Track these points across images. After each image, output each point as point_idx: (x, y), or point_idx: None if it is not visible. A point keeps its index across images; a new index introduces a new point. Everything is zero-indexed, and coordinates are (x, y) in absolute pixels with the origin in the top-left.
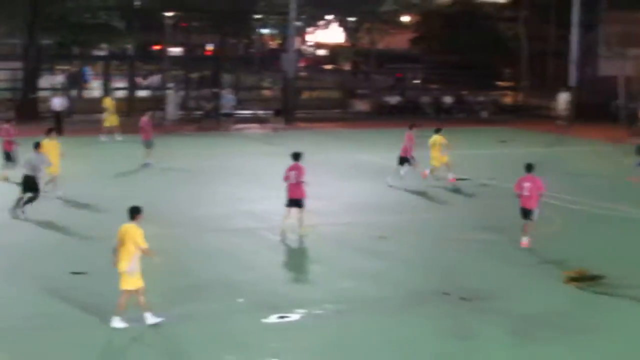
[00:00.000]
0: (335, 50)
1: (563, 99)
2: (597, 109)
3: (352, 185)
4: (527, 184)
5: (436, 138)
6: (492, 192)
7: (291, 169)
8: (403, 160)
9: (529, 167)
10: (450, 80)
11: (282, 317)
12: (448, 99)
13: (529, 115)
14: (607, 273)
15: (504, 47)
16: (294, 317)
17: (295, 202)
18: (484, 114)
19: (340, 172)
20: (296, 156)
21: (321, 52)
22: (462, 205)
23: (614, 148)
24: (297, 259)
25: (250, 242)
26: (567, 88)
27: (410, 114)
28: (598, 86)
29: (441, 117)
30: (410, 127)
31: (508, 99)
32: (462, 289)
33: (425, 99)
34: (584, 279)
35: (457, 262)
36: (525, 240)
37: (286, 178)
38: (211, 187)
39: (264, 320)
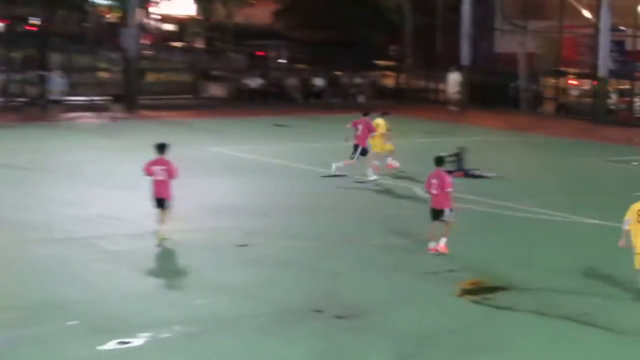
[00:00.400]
0: (185, 25)
1: (453, 80)
2: (494, 92)
3: (211, 184)
4: (434, 181)
5: (379, 122)
6: (377, 189)
7: (155, 162)
8: (364, 151)
9: (439, 161)
10: (322, 59)
11: (122, 343)
12: (319, 82)
13: (413, 99)
14: (508, 281)
15: (384, 21)
16: (136, 342)
17: (160, 202)
18: (361, 99)
19: (196, 169)
20: (161, 148)
21: (169, 26)
22: (357, 203)
23: (514, 137)
24: (143, 272)
25: (83, 253)
26: (458, 67)
27: (275, 99)
28: (495, 65)
29: (311, 103)
30: (365, 113)
31: (389, 81)
32: (341, 305)
33: (292, 82)
34: (480, 291)
35: (339, 271)
36: (433, 245)
37: (149, 173)
38: (33, 189)
39: (100, 347)
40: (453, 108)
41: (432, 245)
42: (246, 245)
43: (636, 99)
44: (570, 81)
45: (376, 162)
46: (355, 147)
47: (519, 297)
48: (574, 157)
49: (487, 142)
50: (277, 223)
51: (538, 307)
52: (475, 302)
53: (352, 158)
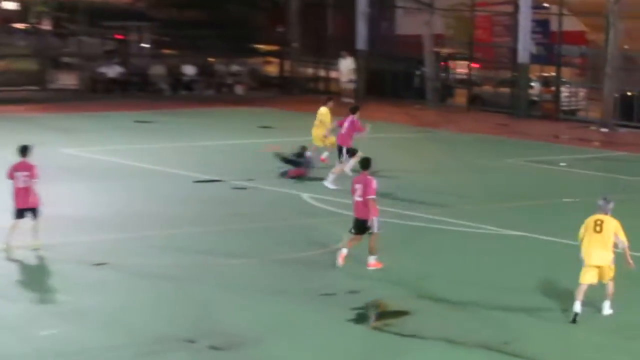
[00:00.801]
0: (29, 3)
1: (346, 67)
2: (396, 81)
3: (65, 192)
4: (358, 186)
5: (323, 112)
6: (260, 196)
7: (18, 168)
8: (350, 151)
9: (365, 164)
10: (193, 44)
11: None
12: (189, 70)
13: (301, 90)
14: (415, 303)
15: None
16: None
17: (26, 211)
18: (239, 90)
19: (49, 175)
20: (24, 150)
21: (9, 5)
22: (236, 212)
23: (419, 134)
24: None
25: None
26: (351, 52)
27: (138, 90)
28: (397, 49)
29: (180, 95)
30: (354, 110)
31: (273, 68)
32: (216, 333)
33: (157, 70)
34: (381, 316)
35: (214, 294)
36: (372, 261)
37: (12, 179)
38: None
39: None
40: (347, 100)
41: (371, 260)
42: (104, 263)
43: (563, 89)
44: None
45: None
46: (340, 148)
47: (428, 322)
48: (489, 157)
49: (387, 140)
50: (140, 237)
51: (450, 334)
52: (375, 329)
53: (341, 162)
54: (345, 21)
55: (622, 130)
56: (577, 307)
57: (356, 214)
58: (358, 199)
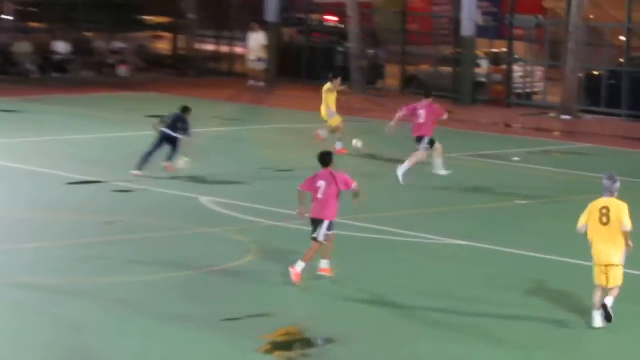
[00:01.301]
0: None
1: (256, 43)
2: (314, 59)
3: None
4: (321, 183)
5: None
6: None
7: None
8: (432, 142)
9: (325, 160)
10: (65, 15)
11: None
12: (62, 47)
13: (199, 71)
14: (339, 328)
15: None
16: None
17: None
18: (124, 72)
19: None
20: None
21: None
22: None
23: (343, 125)
24: None
25: None
26: (262, 26)
27: None
28: (315, 21)
29: (51, 78)
30: (428, 93)
31: (164, 45)
32: None
33: (23, 48)
34: (297, 344)
35: (89, 320)
36: (324, 265)
37: None
38: None
39: None
40: (255, 83)
41: (323, 264)
42: None
43: (516, 68)
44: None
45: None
46: (419, 138)
47: (353, 352)
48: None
49: (303, 132)
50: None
51: None
52: None
53: (419, 150)
54: None
55: (587, 117)
56: (597, 320)
57: (313, 214)
58: (320, 196)
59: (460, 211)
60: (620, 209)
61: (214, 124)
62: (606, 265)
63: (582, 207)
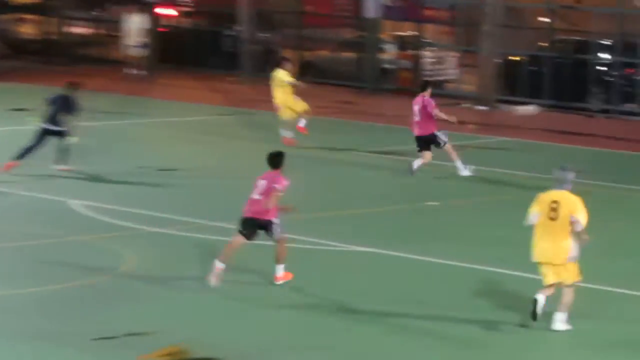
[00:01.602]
0: None
1: (135, 27)
2: (200, 45)
3: None
4: (262, 182)
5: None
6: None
7: None
8: (426, 142)
9: (275, 161)
10: None
11: None
12: None
13: (71, 57)
14: (231, 347)
15: None
16: None
17: None
18: None
19: None
20: None
21: None
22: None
23: (229, 118)
24: None
25: None
26: (142, 7)
27: None
28: (198, 3)
29: None
30: (424, 86)
31: (30, 29)
32: None
33: None
34: None
35: None
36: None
37: None
38: None
39: None
40: (134, 71)
41: (279, 271)
42: None
43: (426, 53)
44: None
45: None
46: (420, 139)
47: None
48: (329, 147)
49: (187, 127)
50: None
51: None
52: None
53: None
54: None
55: (505, 107)
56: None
57: (248, 214)
58: (256, 197)
59: (362, 215)
60: (571, 204)
61: (87, 118)
62: (553, 265)
63: (499, 207)
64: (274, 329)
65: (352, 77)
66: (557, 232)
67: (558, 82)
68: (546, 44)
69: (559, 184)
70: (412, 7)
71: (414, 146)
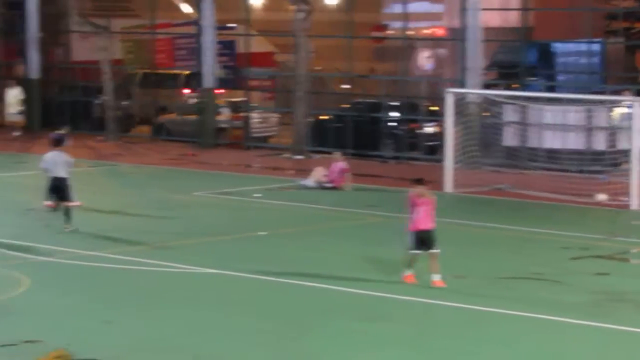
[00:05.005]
0: None
1: (14, 98)
2: (75, 111)
3: None
4: None
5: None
6: None
7: None
8: None
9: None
10: None
11: None
12: None
13: None
14: (102, 353)
15: None
16: None
17: None
18: None
19: None
20: None
21: None
22: None
23: (99, 168)
24: None
25: None
26: (19, 82)
27: None
28: (74, 77)
29: None
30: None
31: None
32: None
33: None
34: None
35: None
36: None
37: None
38: None
39: None
40: (18, 133)
41: None
42: None
43: (253, 114)
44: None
45: None
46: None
47: None
48: (175, 191)
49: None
50: None
51: None
52: None
53: None
54: (14, 47)
55: (316, 156)
56: None
57: None
58: None
59: (206, 243)
60: None
61: None
62: None
63: (314, 234)
64: (148, 331)
65: (195, 135)
66: None
67: (358, 135)
68: (347, 105)
69: None
70: (241, 79)
71: (247, 187)
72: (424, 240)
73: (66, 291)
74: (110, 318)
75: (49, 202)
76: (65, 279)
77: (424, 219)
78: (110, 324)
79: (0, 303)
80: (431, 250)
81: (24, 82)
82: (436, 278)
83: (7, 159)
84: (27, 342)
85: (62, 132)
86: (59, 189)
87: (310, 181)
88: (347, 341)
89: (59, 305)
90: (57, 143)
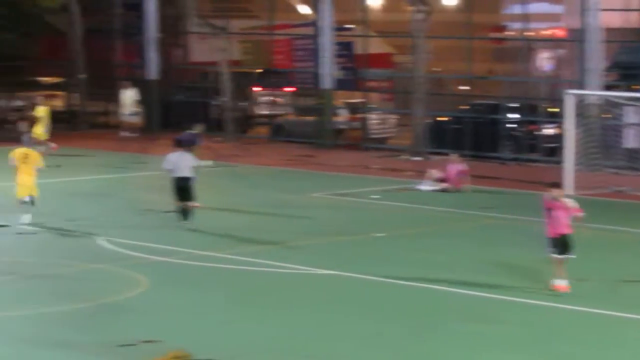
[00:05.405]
0: None
1: (129, 99)
2: (192, 112)
3: None
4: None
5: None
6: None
7: None
8: None
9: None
10: None
11: None
12: None
13: (90, 124)
14: (221, 353)
15: (41, 24)
16: None
17: None
18: (23, 126)
19: None
20: None
21: None
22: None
23: (216, 169)
24: None
25: None
26: (133, 83)
27: None
28: (190, 78)
29: None
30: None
31: (58, 102)
32: None
33: None
34: None
35: None
36: None
37: None
38: None
39: None
40: (127, 134)
41: None
42: None
43: (371, 115)
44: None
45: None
46: None
47: None
48: (293, 192)
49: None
50: None
51: None
52: None
53: None
54: (134, 49)
55: (435, 158)
56: None
57: None
58: None
59: (323, 244)
60: None
61: (97, 171)
62: None
63: (432, 236)
64: (266, 332)
65: (312, 136)
66: None
67: (476, 136)
68: (466, 107)
69: None
70: (359, 80)
71: (364, 188)
72: (561, 244)
73: (184, 291)
74: (228, 318)
75: (195, 204)
76: (183, 279)
77: (560, 223)
78: (228, 324)
79: (119, 303)
80: (566, 255)
81: (142, 84)
82: (561, 283)
83: (127, 159)
84: (145, 342)
85: (194, 131)
86: (183, 189)
87: (425, 185)
88: (464, 343)
89: (177, 306)
90: (180, 144)
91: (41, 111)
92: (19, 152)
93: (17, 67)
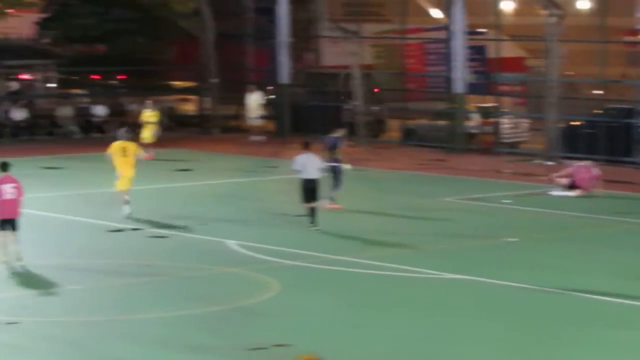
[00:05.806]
0: None
1: (255, 103)
2: (323, 116)
3: None
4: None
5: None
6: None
7: (4, 181)
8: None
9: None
10: (102, 82)
11: None
12: (100, 110)
13: (222, 128)
14: (350, 354)
15: (174, 28)
16: None
17: (11, 222)
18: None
19: None
20: (4, 166)
21: None
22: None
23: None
24: None
25: None
26: (260, 87)
27: (45, 134)
28: (322, 82)
29: (92, 137)
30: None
31: (190, 107)
32: None
33: (65, 112)
34: None
35: (136, 354)
36: None
37: None
38: None
39: None
40: (256, 138)
41: None
42: (15, 322)
43: (503, 120)
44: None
45: None
46: None
47: None
48: (425, 196)
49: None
50: (53, 293)
51: None
52: None
53: None
54: (264, 53)
55: (568, 162)
56: None
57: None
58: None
59: (454, 249)
60: None
61: (228, 175)
62: None
63: (566, 241)
64: (396, 335)
65: (444, 140)
66: None
67: (610, 141)
68: (600, 111)
69: None
70: (492, 84)
71: (496, 193)
72: None
73: (315, 295)
74: (359, 322)
75: (321, 204)
76: (313, 283)
77: None
78: (359, 328)
79: (251, 307)
80: None
81: (274, 88)
82: None
83: (258, 163)
84: (277, 345)
85: (337, 135)
86: (310, 190)
87: (557, 191)
88: (601, 349)
89: (308, 309)
90: (308, 146)
91: (149, 116)
92: (115, 146)
93: (151, 71)
